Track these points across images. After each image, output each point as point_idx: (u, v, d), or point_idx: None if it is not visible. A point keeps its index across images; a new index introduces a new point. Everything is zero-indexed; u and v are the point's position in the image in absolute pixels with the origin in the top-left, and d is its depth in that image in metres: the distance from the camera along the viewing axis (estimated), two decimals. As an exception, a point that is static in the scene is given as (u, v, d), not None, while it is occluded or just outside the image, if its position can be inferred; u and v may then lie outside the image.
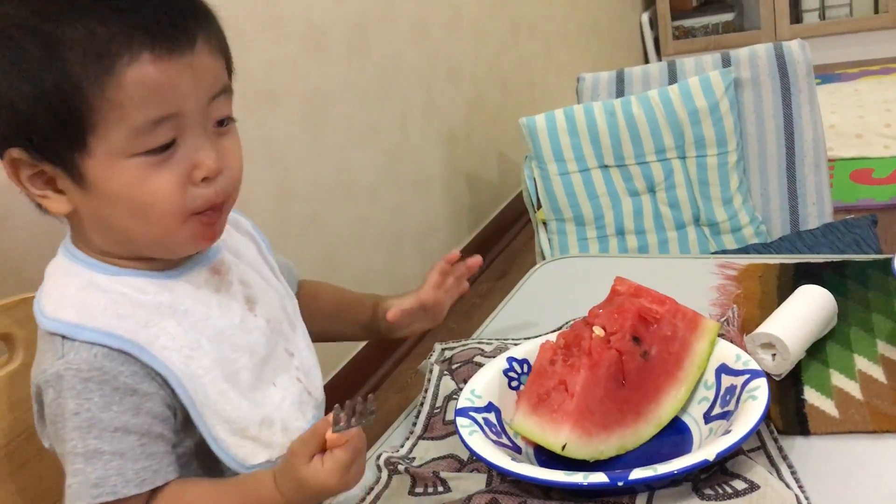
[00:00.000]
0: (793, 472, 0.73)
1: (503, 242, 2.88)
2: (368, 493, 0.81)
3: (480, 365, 0.94)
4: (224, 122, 0.76)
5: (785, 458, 0.74)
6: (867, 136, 3.05)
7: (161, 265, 0.79)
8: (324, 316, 1.00)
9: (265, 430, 0.79)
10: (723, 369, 0.81)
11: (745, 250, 1.84)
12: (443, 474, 0.79)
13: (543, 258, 2.05)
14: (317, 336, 1.01)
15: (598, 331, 0.79)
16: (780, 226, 1.95)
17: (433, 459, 0.85)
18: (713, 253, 1.84)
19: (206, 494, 0.76)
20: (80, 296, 0.75)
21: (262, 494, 0.74)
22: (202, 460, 0.79)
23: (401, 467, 0.83)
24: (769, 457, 0.75)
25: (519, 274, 2.72)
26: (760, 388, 0.74)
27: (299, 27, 1.91)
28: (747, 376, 0.77)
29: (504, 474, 0.74)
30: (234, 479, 0.78)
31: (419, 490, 0.80)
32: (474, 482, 0.79)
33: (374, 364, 2.17)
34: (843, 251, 1.68)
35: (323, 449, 0.72)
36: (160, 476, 0.74)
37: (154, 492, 0.74)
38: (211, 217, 0.76)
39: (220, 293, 0.81)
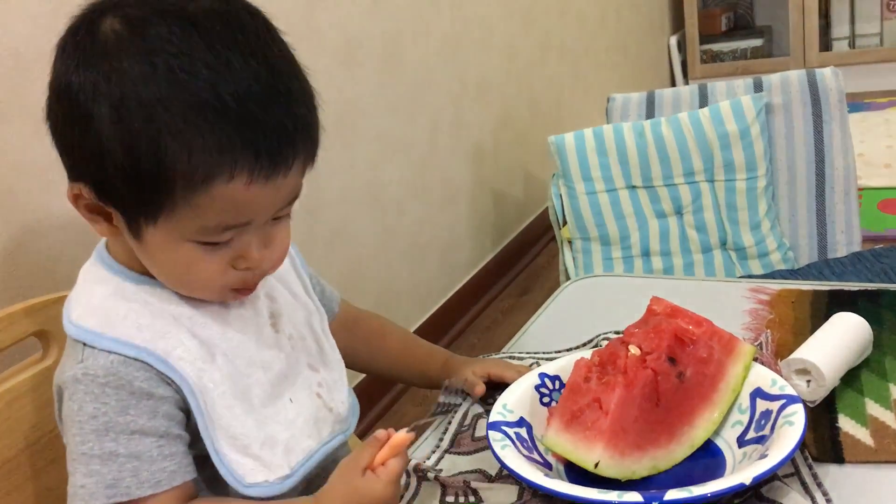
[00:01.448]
0: (828, 500, 0.72)
1: (526, 259, 2.88)
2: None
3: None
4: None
5: (820, 485, 0.74)
6: (896, 166, 3.03)
7: None
8: (387, 357, 1.02)
9: (266, 450, 0.79)
10: (758, 393, 0.80)
11: (771, 276, 1.83)
12: (474, 484, 0.79)
13: (567, 276, 2.05)
14: (373, 372, 1.03)
15: (633, 350, 0.79)
16: (807, 253, 1.94)
17: (461, 473, 0.85)
18: (742, 277, 1.84)
19: None
20: (105, 304, 0.77)
21: None
22: (204, 472, 0.80)
23: (430, 475, 0.83)
24: (803, 483, 0.74)
25: (541, 291, 2.71)
26: (797, 414, 0.74)
27: (335, 39, 1.92)
28: (783, 401, 0.77)
29: (535, 489, 0.74)
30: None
31: (450, 499, 0.80)
32: (506, 494, 0.79)
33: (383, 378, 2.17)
34: (871, 280, 1.67)
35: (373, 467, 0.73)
36: (178, 476, 0.75)
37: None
38: (244, 292, 0.79)
39: (243, 307, 0.83)
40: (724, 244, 1.96)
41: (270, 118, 0.69)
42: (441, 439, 0.91)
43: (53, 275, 1.20)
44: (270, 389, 0.81)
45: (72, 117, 0.70)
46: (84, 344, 0.75)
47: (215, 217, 0.71)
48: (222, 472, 0.77)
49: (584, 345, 1.04)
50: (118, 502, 0.73)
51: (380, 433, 0.73)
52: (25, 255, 1.17)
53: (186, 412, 0.77)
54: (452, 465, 0.86)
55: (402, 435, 0.73)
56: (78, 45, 0.70)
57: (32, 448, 0.90)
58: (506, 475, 0.82)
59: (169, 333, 0.76)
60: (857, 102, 3.69)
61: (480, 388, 0.94)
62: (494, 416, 0.82)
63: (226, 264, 0.75)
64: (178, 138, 0.67)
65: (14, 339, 0.90)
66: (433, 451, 0.90)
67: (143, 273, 0.78)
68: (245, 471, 0.78)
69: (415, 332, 1.68)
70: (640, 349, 0.79)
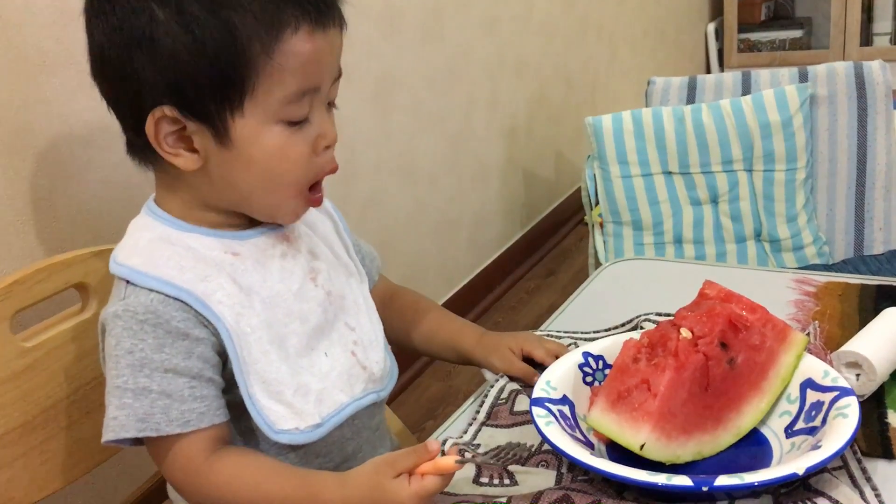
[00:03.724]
0: (877, 495, 0.71)
1: (553, 240, 2.87)
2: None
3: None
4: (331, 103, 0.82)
5: (869, 479, 0.72)
6: (934, 165, 2.97)
7: (234, 227, 0.83)
8: (421, 332, 1.03)
9: (299, 397, 0.80)
10: (809, 384, 0.79)
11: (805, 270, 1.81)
12: (511, 468, 0.78)
13: (597, 260, 2.03)
14: (407, 346, 1.04)
15: (685, 333, 0.78)
16: (843, 248, 1.91)
17: (499, 447, 0.84)
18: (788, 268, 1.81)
19: (267, 469, 0.77)
20: (150, 247, 0.79)
21: (324, 495, 0.74)
22: (239, 423, 0.81)
23: (467, 455, 0.82)
24: (852, 477, 0.72)
25: (568, 273, 2.69)
26: (851, 407, 0.73)
27: (377, 7, 1.90)
28: (836, 393, 0.75)
29: (581, 467, 0.73)
30: (297, 468, 0.79)
31: (484, 480, 0.78)
32: (543, 478, 0.77)
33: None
34: (909, 279, 1.64)
35: (410, 473, 0.72)
36: (207, 418, 0.76)
37: (219, 446, 0.77)
38: (317, 190, 0.82)
39: (284, 259, 0.84)
40: (758, 235, 1.93)
41: None
42: (477, 412, 0.91)
43: (93, 228, 1.20)
44: (306, 341, 0.83)
45: (134, 39, 0.72)
46: (127, 282, 0.77)
47: (293, 80, 0.74)
48: (254, 416, 0.78)
49: (624, 325, 1.02)
50: (147, 437, 0.75)
51: (432, 444, 0.72)
52: (66, 207, 1.17)
53: (223, 356, 0.78)
54: (490, 438, 0.86)
55: (451, 462, 0.71)
56: None
57: (70, 399, 0.91)
58: (543, 452, 0.81)
59: (210, 277, 0.78)
60: (896, 99, 3.63)
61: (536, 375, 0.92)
62: (538, 392, 0.81)
63: (310, 148, 0.78)
64: (236, 7, 0.71)
65: (54, 290, 0.90)
66: (469, 424, 0.89)
67: (189, 222, 0.81)
68: (276, 417, 0.79)
69: (444, 306, 1.67)
70: (692, 332, 0.78)
